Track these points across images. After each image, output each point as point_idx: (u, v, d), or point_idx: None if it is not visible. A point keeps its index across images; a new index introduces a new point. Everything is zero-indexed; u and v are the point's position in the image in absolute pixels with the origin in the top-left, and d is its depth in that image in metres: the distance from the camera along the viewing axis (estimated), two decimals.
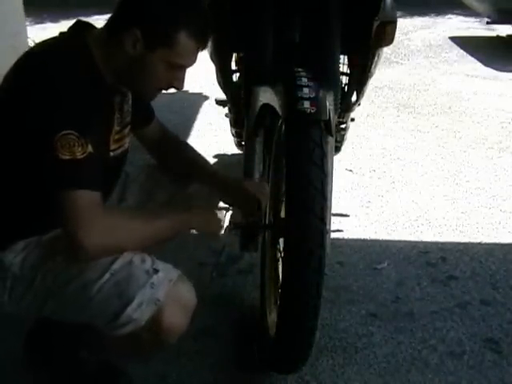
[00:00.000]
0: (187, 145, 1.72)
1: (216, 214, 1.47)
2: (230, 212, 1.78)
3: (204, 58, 2.52)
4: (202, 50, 1.33)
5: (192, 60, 1.32)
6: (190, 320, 1.33)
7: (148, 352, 1.55)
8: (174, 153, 1.66)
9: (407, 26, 6.30)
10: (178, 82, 1.35)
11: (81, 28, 1.35)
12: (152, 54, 1.27)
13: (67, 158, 1.16)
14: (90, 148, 1.18)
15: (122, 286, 1.24)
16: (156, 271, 1.27)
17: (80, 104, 1.20)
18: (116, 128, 1.41)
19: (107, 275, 1.25)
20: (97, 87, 1.28)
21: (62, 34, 1.35)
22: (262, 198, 1.60)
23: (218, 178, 1.64)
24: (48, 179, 1.19)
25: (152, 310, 1.25)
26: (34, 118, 1.19)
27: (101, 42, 1.31)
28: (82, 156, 1.17)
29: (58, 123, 1.17)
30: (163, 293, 1.26)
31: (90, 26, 1.36)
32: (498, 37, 5.95)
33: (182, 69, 1.33)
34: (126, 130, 1.48)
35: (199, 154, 1.70)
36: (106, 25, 1.33)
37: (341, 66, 2.00)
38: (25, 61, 1.28)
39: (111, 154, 1.41)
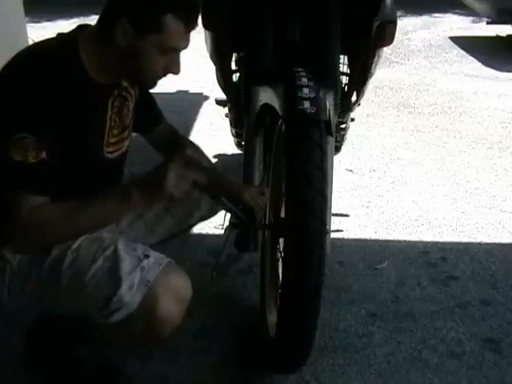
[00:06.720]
0: (195, 147, 1.72)
1: (164, 177, 1.23)
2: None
3: (204, 58, 2.53)
4: (191, 29, 1.31)
5: (183, 42, 1.31)
6: (184, 311, 1.33)
7: (143, 346, 1.56)
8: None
9: (407, 26, 6.30)
10: (174, 67, 1.34)
11: (76, 30, 1.35)
12: (143, 41, 1.26)
13: (19, 159, 1.19)
14: (43, 154, 1.21)
15: (114, 271, 1.26)
16: (147, 256, 1.30)
17: (47, 109, 1.21)
18: (113, 131, 1.41)
19: (99, 262, 1.28)
20: (80, 89, 1.29)
21: (59, 34, 1.35)
22: (256, 207, 1.61)
23: (221, 183, 1.64)
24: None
25: (142, 292, 1.26)
26: None
27: (92, 40, 1.31)
28: (33, 161, 1.20)
29: (17, 125, 1.20)
30: (153, 275, 1.27)
31: (86, 26, 1.36)
32: (498, 37, 5.95)
33: (176, 52, 1.32)
34: (126, 133, 1.48)
35: (206, 157, 1.71)
36: (97, 22, 1.32)
37: (341, 66, 2.00)
38: (8, 61, 1.28)
39: (108, 155, 1.42)
